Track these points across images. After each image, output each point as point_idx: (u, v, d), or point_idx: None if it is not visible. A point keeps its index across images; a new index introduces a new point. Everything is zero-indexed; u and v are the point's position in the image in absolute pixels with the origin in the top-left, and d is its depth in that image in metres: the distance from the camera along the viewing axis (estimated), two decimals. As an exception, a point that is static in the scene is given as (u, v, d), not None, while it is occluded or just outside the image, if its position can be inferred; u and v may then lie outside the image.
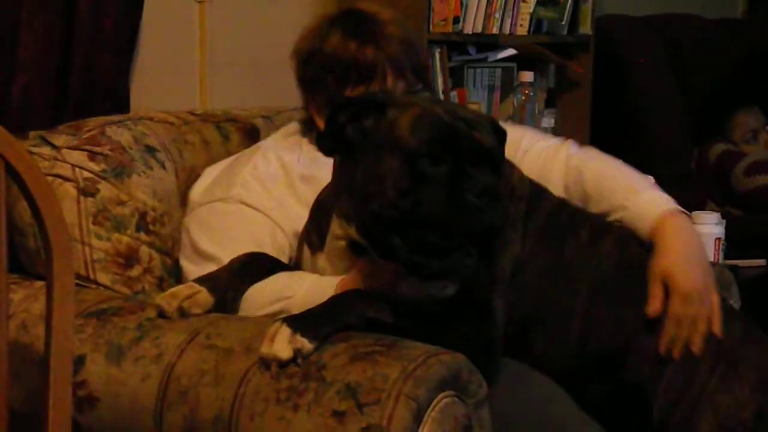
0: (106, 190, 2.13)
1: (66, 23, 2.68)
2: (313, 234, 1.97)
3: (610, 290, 1.98)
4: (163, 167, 2.23)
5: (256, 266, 1.98)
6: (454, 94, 3.58)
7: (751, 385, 1.96)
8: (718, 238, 3.15)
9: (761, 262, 3.48)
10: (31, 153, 2.09)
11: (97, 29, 2.74)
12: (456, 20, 3.54)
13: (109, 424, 1.86)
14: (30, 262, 2.13)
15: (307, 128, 2.22)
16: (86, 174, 2.13)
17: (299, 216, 2.06)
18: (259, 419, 1.71)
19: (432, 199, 1.72)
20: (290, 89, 2.24)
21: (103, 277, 2.11)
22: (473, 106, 3.57)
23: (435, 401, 1.68)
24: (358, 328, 1.78)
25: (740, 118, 4.32)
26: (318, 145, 1.88)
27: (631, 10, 4.45)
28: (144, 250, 2.15)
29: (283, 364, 1.72)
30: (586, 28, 3.94)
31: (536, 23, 3.81)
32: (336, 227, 1.88)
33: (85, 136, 2.17)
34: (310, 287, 1.90)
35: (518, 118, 3.60)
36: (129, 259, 2.13)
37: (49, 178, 2.08)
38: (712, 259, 3.05)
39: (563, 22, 3.88)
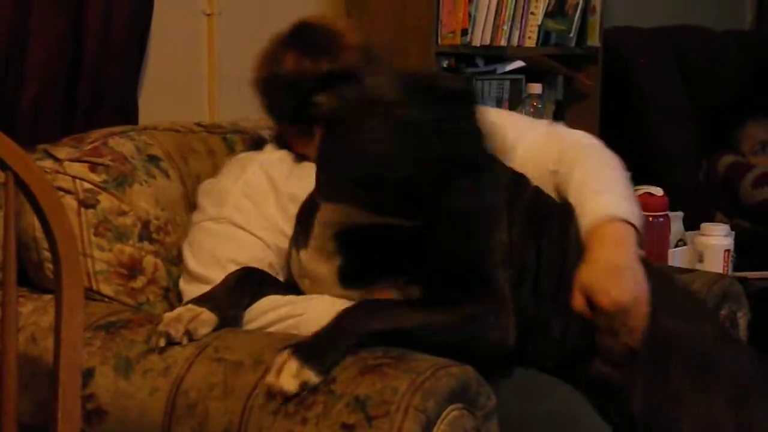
0: (106, 201, 2.13)
1: (74, 36, 2.69)
2: (299, 234, 1.98)
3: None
4: (167, 176, 2.23)
5: (251, 281, 1.98)
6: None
7: (726, 395, 1.95)
8: (727, 250, 3.15)
9: (770, 274, 3.47)
10: (36, 166, 2.09)
11: (105, 42, 2.74)
12: (464, 32, 3.54)
13: (118, 437, 1.86)
14: (36, 275, 2.12)
15: (283, 144, 2.23)
16: (86, 185, 2.13)
17: (288, 236, 2.06)
18: (273, 433, 1.71)
19: (419, 145, 1.71)
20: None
21: (106, 289, 2.11)
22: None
23: (444, 414, 1.67)
24: (368, 345, 1.77)
25: (749, 130, 4.31)
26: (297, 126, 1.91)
27: (639, 21, 4.45)
28: (148, 260, 2.14)
29: (287, 398, 1.71)
30: (594, 40, 3.94)
31: (544, 35, 3.81)
32: (324, 213, 1.89)
33: (87, 147, 2.17)
34: (322, 308, 1.90)
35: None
36: (132, 269, 2.13)
37: (51, 191, 2.08)
38: (720, 271, 3.05)
39: (571, 34, 3.87)
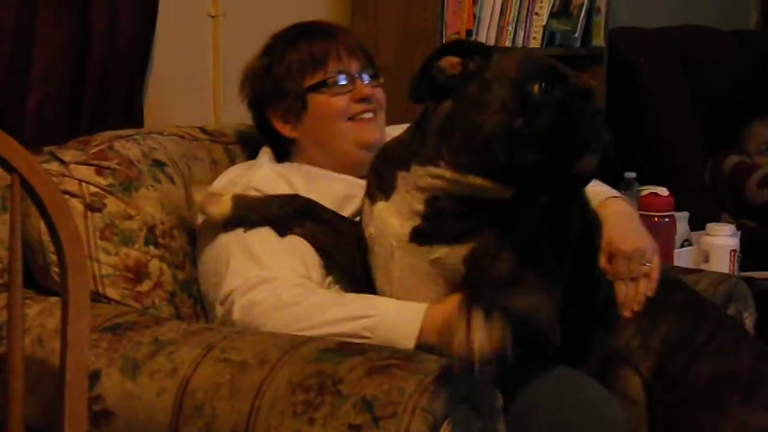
0: (112, 204, 2.13)
1: (80, 38, 2.69)
2: (375, 184, 2.00)
3: None
4: (172, 181, 2.23)
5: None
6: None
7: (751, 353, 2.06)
8: (733, 250, 3.15)
9: (777, 273, 3.47)
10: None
11: (110, 44, 2.75)
12: (469, 33, 3.54)
13: (125, 439, 1.86)
14: (42, 278, 2.12)
15: (282, 151, 2.29)
16: (93, 189, 2.12)
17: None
18: (275, 433, 1.71)
19: (544, 121, 1.78)
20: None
21: (112, 292, 2.11)
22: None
23: (450, 414, 1.67)
24: None
25: (754, 130, 4.31)
26: (410, 89, 1.92)
27: (644, 22, 4.45)
28: (154, 264, 2.14)
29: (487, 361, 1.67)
30: (599, 40, 3.93)
31: (549, 36, 3.81)
32: (415, 178, 1.91)
33: (93, 150, 2.17)
34: (396, 309, 1.91)
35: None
36: (138, 273, 2.13)
37: (57, 194, 2.08)
38: (726, 271, 3.05)
39: (576, 35, 3.87)
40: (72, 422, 1.65)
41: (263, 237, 2.06)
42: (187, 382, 1.82)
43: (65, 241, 1.68)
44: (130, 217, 2.14)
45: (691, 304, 2.14)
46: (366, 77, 2.26)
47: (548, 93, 1.80)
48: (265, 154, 2.29)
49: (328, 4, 3.54)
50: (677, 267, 2.95)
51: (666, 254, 3.06)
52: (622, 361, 2.02)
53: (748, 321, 2.47)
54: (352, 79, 2.24)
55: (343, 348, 1.79)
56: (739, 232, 3.21)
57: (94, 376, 1.88)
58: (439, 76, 1.89)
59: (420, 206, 1.90)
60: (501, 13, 3.62)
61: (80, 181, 2.12)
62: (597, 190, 2.19)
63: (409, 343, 1.83)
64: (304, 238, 2.07)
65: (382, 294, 1.97)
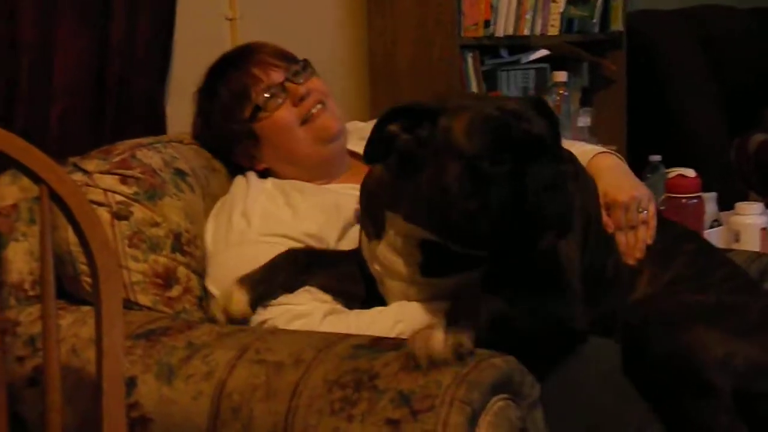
0: (139, 212, 2.13)
1: (99, 49, 2.70)
2: (368, 223, 2.00)
3: None
4: (193, 190, 2.23)
5: (295, 259, 2.04)
6: (488, 97, 3.57)
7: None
8: (764, 228, 3.12)
9: (808, 250, 3.44)
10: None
11: (130, 53, 2.76)
12: (487, 24, 3.54)
13: (164, 444, 1.87)
14: (74, 287, 2.13)
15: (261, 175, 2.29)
16: (118, 198, 2.13)
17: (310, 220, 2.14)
18: (313, 431, 1.71)
19: (497, 200, 1.75)
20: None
21: (143, 299, 2.11)
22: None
23: (489, 405, 1.66)
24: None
25: (778, 107, 4.29)
26: (365, 152, 1.88)
27: (662, 4, 4.43)
28: (182, 271, 2.14)
29: (434, 363, 1.69)
30: (617, 24, 3.92)
31: (567, 22, 3.80)
32: (399, 225, 1.91)
33: (115, 159, 2.17)
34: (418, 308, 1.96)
35: (554, 119, 3.58)
36: (168, 279, 2.13)
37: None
38: (757, 249, 3.02)
39: (594, 20, 3.86)
40: (111, 430, 1.65)
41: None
42: (223, 385, 1.82)
43: (96, 249, 1.68)
44: (156, 225, 2.14)
45: (703, 252, 2.16)
46: (294, 76, 2.25)
47: (498, 166, 1.76)
48: (252, 173, 2.29)
49: (344, 3, 3.53)
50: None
51: (696, 235, 3.04)
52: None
53: (782, 299, 2.45)
54: (281, 88, 2.24)
55: (378, 344, 1.79)
56: (768, 210, 3.18)
57: (130, 383, 1.88)
58: (393, 139, 1.84)
59: (416, 251, 1.91)
60: (518, 2, 3.61)
61: (105, 190, 2.12)
62: (583, 149, 2.25)
63: None
64: (320, 289, 2.05)
65: None
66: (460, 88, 3.46)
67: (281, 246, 2.07)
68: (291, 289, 2.02)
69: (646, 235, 2.11)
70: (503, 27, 3.59)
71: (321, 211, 2.16)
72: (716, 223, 3.27)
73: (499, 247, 1.79)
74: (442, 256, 1.88)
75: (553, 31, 3.75)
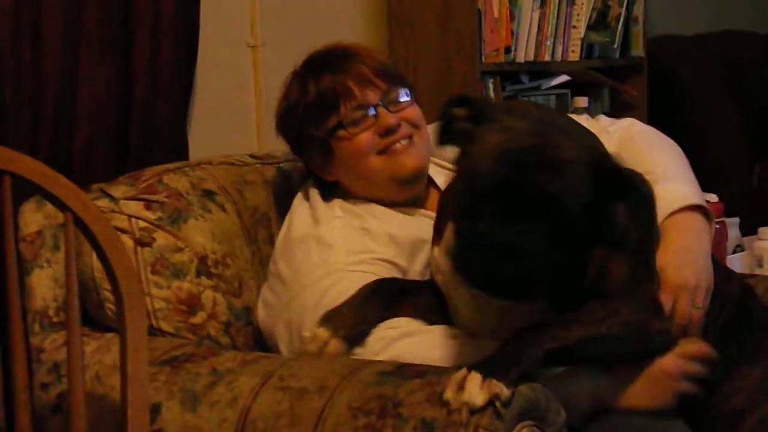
0: (162, 238, 2.13)
1: (123, 77, 2.72)
2: (436, 230, 1.95)
3: None
4: (223, 209, 2.23)
5: (382, 293, 1.94)
6: (509, 123, 3.57)
7: None
8: (787, 253, 3.11)
9: (830, 275, 3.42)
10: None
11: (153, 81, 2.77)
12: (507, 50, 3.54)
13: (188, 471, 1.86)
14: (97, 314, 2.13)
15: (328, 188, 2.19)
16: (142, 224, 2.13)
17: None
18: (337, 459, 1.71)
19: (472, 236, 1.69)
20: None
21: (166, 326, 2.11)
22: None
23: (514, 432, 1.66)
24: (541, 363, 1.73)
25: (799, 131, 4.28)
26: (435, 136, 1.84)
27: (682, 29, 4.43)
28: (207, 295, 2.14)
29: (474, 411, 1.64)
30: (638, 50, 3.92)
31: (588, 48, 3.80)
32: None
33: (142, 185, 2.18)
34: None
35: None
36: (191, 306, 2.13)
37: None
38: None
39: (615, 46, 3.86)
40: (135, 457, 1.65)
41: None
42: (248, 412, 1.81)
43: (120, 276, 1.69)
44: (180, 250, 2.14)
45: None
46: (389, 103, 2.12)
47: (486, 205, 1.67)
48: (314, 192, 2.19)
49: (366, 27, 3.55)
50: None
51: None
52: None
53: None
54: (371, 111, 2.11)
55: (402, 371, 1.78)
56: (791, 235, 3.17)
57: (155, 410, 1.88)
58: (453, 122, 1.79)
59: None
60: (539, 28, 3.62)
61: (130, 216, 2.13)
62: (668, 189, 1.98)
63: None
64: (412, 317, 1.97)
65: (467, 328, 1.91)
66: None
67: (370, 274, 1.99)
68: (382, 320, 1.92)
69: (689, 330, 1.91)
70: (524, 53, 3.60)
71: (392, 240, 2.08)
72: (739, 248, 3.26)
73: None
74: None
75: (574, 56, 3.75)
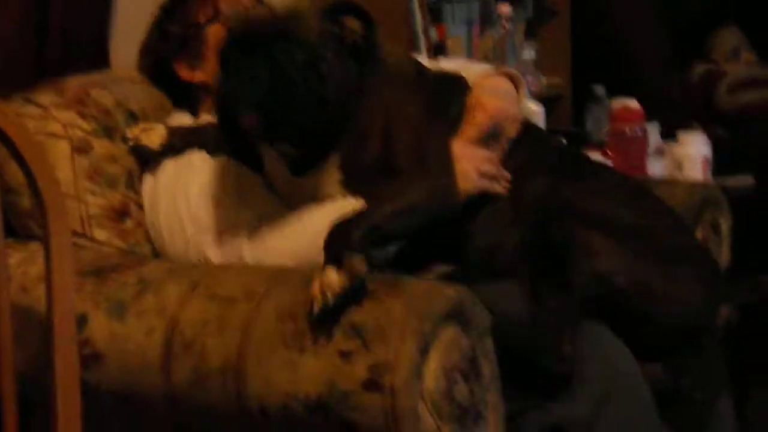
0: (99, 147, 2.14)
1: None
2: None
3: None
4: None
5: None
6: (433, 30, 3.56)
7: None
8: (706, 158, 3.16)
9: (749, 179, 3.49)
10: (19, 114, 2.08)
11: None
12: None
13: (117, 380, 1.87)
14: (23, 223, 2.11)
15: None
16: (78, 132, 2.12)
17: None
18: (266, 364, 1.72)
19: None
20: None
21: (99, 233, 2.11)
22: (453, 42, 3.56)
23: (440, 334, 1.68)
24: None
25: (721, 38, 4.31)
26: None
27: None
28: (134, 208, 2.15)
29: (341, 296, 1.70)
30: (561, -45, 3.92)
31: (510, -46, 3.79)
32: None
33: (70, 96, 2.17)
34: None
35: (499, 52, 3.58)
36: (122, 213, 2.14)
37: (41, 137, 2.07)
38: (700, 179, 3.06)
39: (537, -49, 3.85)
40: (63, 367, 1.65)
41: (207, 176, 2.09)
42: (175, 320, 1.82)
43: (43, 187, 1.66)
44: (114, 161, 2.14)
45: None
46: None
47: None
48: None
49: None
50: (651, 177, 2.97)
51: (639, 165, 3.07)
52: None
53: (725, 227, 2.49)
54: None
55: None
56: (711, 141, 3.22)
57: (81, 320, 1.88)
58: None
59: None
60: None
61: (64, 124, 2.12)
62: (478, 69, 2.19)
63: None
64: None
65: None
66: (405, 20, 3.44)
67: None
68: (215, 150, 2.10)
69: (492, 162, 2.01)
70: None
71: None
72: (659, 153, 3.30)
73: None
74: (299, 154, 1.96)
75: (494, -38, 3.74)
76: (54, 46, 2.65)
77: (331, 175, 1.95)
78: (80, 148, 2.11)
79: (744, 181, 3.46)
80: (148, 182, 2.16)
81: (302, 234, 1.94)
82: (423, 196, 1.87)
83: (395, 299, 1.70)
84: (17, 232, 2.12)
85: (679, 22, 4.33)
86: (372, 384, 1.64)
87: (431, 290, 1.71)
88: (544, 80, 3.84)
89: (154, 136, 2.14)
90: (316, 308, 1.69)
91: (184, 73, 2.28)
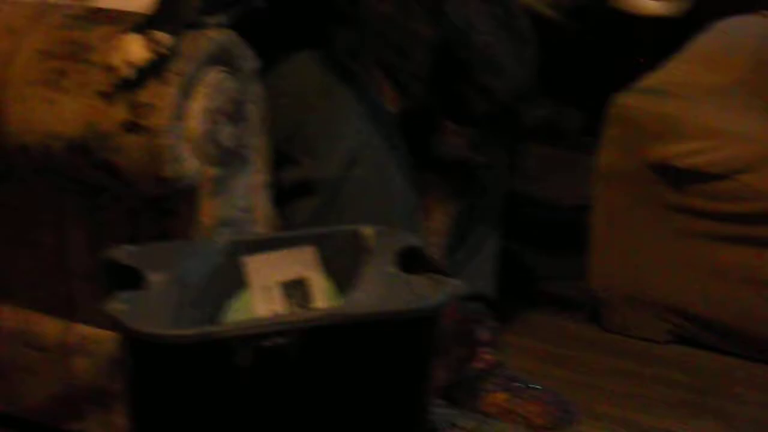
0: None
1: None
2: None
3: None
4: None
5: None
6: None
7: None
8: None
9: None
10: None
11: None
12: None
13: None
14: None
15: None
16: None
17: None
18: (26, 102, 1.68)
19: None
20: None
21: None
22: None
23: (204, 77, 1.67)
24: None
25: None
26: None
27: None
28: None
29: (142, 69, 1.62)
30: None
31: None
32: None
33: None
34: None
35: None
36: None
37: None
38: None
39: None
40: None
41: None
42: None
43: None
44: None
45: None
46: None
47: None
48: None
49: None
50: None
51: None
52: None
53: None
54: None
55: (95, 16, 1.74)
56: None
57: None
58: None
59: None
60: None
61: None
62: None
63: None
64: None
65: None
66: None
67: None
68: None
69: None
70: None
71: None
72: None
73: None
74: None
75: None
76: None
77: None
78: None
79: None
80: None
81: None
82: None
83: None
84: None
85: None
86: (132, 125, 1.62)
87: (197, 35, 1.67)
88: None
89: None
90: (113, 80, 1.63)
91: None
